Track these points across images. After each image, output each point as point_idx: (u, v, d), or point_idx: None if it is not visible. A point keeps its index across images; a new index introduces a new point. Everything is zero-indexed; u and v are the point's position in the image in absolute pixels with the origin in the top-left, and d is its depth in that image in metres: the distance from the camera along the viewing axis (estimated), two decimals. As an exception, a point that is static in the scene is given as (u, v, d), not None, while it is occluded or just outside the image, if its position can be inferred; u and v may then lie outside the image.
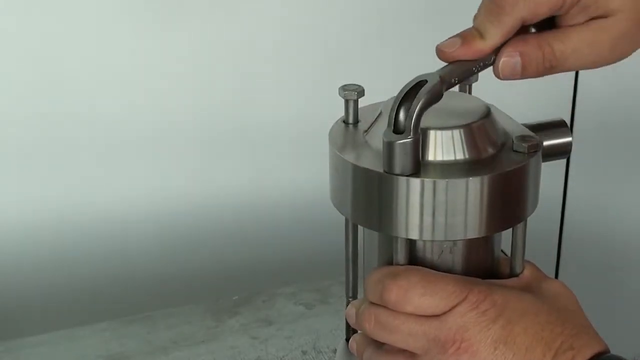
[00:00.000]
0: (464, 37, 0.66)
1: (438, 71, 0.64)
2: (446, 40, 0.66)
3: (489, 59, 0.66)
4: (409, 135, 0.61)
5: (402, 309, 0.66)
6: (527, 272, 0.71)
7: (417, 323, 0.66)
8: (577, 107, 1.35)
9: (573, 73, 1.32)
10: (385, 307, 0.67)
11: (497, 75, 0.67)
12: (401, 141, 0.62)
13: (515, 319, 0.65)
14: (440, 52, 0.65)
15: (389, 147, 0.62)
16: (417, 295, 0.65)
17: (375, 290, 0.67)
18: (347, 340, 0.76)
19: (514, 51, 0.66)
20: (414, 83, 0.63)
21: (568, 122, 0.71)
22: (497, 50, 0.66)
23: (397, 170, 0.63)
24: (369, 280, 0.68)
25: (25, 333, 1.00)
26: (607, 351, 0.66)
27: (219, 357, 0.96)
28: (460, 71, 0.65)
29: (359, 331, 0.72)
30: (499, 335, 0.64)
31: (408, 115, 0.62)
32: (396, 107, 0.62)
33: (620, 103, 1.36)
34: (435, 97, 0.62)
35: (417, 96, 0.62)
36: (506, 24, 0.65)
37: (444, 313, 0.65)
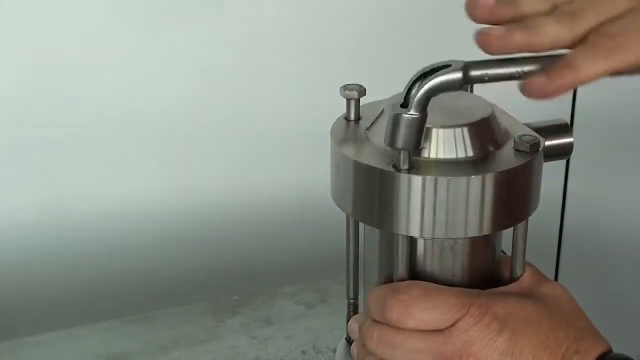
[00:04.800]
0: (550, 74, 0.60)
1: (471, 62, 0.62)
2: (532, 77, 0.61)
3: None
4: (415, 111, 0.61)
5: (405, 324, 0.66)
6: (527, 276, 0.71)
7: (421, 339, 0.66)
8: (577, 107, 1.35)
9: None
10: (388, 324, 0.67)
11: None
12: (405, 115, 0.62)
13: (520, 330, 0.65)
14: (530, 92, 0.60)
15: (394, 119, 0.62)
16: (419, 310, 0.65)
17: (377, 307, 0.67)
18: (347, 340, 0.76)
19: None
20: (439, 65, 0.62)
21: (568, 122, 0.71)
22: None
23: (400, 144, 0.62)
24: (371, 298, 0.69)
25: (25, 333, 1.00)
26: (610, 351, 0.66)
27: (219, 357, 0.96)
28: (496, 72, 0.62)
29: None
30: (505, 348, 0.64)
31: (417, 94, 0.61)
32: (411, 83, 0.63)
33: (620, 103, 1.36)
34: (449, 84, 0.61)
35: (432, 76, 0.61)
36: (607, 68, 0.60)
37: (448, 328, 0.65)
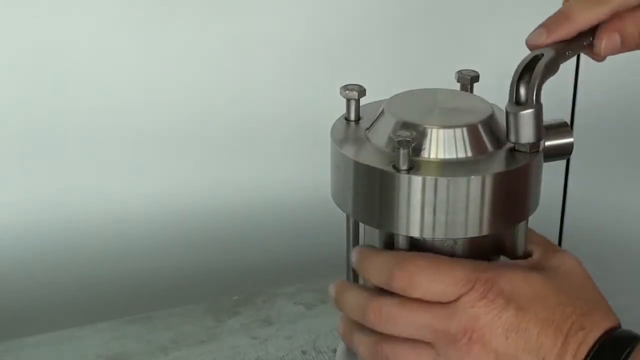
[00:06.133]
0: (548, 26, 0.68)
1: (551, 47, 0.67)
2: (532, 32, 0.68)
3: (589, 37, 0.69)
4: (532, 106, 0.63)
5: (410, 294, 0.65)
6: (536, 248, 0.70)
7: (425, 313, 0.65)
8: (577, 107, 1.35)
9: (573, 72, 1.32)
10: (390, 296, 0.66)
11: (598, 54, 0.69)
12: (524, 112, 0.63)
13: (526, 305, 0.64)
14: (529, 46, 0.68)
15: (514, 118, 0.64)
16: (426, 280, 0.65)
17: (380, 275, 0.67)
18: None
19: (612, 31, 0.68)
20: (530, 58, 0.65)
21: (568, 122, 0.71)
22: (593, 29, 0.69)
23: (524, 140, 0.64)
24: (372, 265, 0.68)
25: (25, 333, 1.00)
26: (618, 326, 0.66)
27: (219, 357, 0.96)
28: (573, 46, 0.68)
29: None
30: (510, 324, 0.64)
31: (529, 88, 0.64)
32: (516, 81, 0.64)
33: (620, 103, 1.36)
34: (552, 69, 0.65)
35: (536, 68, 0.64)
36: (601, 12, 0.68)
37: (452, 302, 0.65)
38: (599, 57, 0.71)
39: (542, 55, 0.65)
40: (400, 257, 0.66)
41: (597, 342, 0.64)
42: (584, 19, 0.67)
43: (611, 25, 0.68)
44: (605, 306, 0.67)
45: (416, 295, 0.65)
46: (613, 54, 0.69)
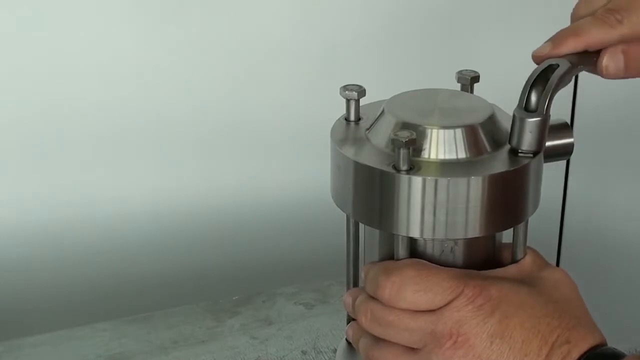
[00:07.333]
0: (554, 40, 0.68)
1: (567, 57, 0.67)
2: (539, 47, 0.69)
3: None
4: (541, 114, 0.64)
5: (396, 305, 0.66)
6: (528, 259, 0.71)
7: (411, 318, 0.66)
8: (577, 107, 1.35)
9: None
10: (380, 301, 0.67)
11: (600, 71, 0.69)
12: (532, 119, 0.64)
13: (512, 313, 0.65)
14: (533, 58, 0.68)
15: (520, 123, 0.64)
16: (411, 291, 0.65)
17: (370, 285, 0.68)
18: (347, 340, 0.76)
19: (617, 53, 0.68)
20: (545, 67, 0.66)
21: (568, 122, 0.72)
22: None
23: (525, 147, 0.65)
24: (367, 274, 0.69)
25: (25, 333, 1.00)
26: (603, 343, 0.66)
27: (219, 357, 0.96)
28: (584, 59, 0.68)
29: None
30: (495, 330, 0.65)
31: (542, 96, 0.64)
32: (528, 88, 0.65)
33: (620, 103, 1.36)
34: (565, 81, 0.65)
35: (552, 78, 0.65)
36: (610, 35, 0.68)
37: (440, 308, 0.65)
38: (602, 75, 0.70)
39: (558, 65, 0.65)
40: (388, 267, 0.67)
41: (582, 357, 0.65)
42: (592, 38, 0.67)
43: (616, 47, 0.68)
44: (590, 323, 0.68)
45: (402, 305, 0.66)
46: (616, 76, 0.69)
